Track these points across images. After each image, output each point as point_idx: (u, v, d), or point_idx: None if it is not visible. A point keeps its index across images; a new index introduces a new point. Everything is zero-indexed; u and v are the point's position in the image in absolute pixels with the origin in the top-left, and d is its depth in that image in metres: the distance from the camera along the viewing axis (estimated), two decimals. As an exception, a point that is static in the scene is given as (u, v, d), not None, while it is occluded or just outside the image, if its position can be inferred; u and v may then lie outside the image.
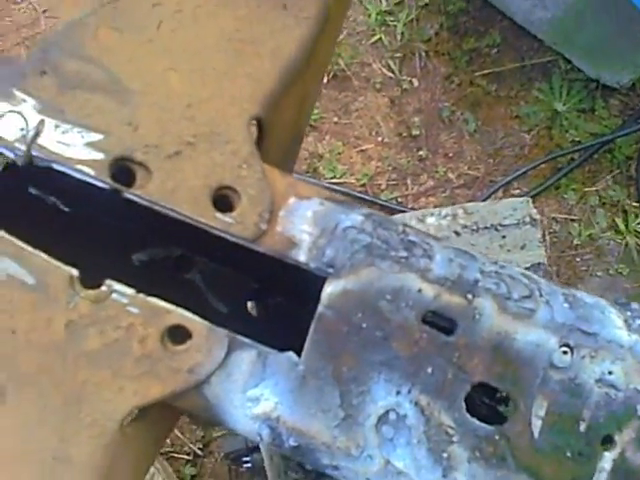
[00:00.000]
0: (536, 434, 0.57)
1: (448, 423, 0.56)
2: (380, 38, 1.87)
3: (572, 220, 1.80)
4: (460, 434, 0.56)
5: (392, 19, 1.88)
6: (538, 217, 0.96)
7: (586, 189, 1.82)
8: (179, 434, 1.64)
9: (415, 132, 1.84)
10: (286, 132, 0.73)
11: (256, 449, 1.37)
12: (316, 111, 1.82)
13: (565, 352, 0.58)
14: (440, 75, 1.87)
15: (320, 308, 0.56)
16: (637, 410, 0.58)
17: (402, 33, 1.87)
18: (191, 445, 1.64)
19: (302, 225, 0.57)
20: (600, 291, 1.75)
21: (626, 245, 1.78)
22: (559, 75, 1.87)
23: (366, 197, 1.78)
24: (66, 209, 0.67)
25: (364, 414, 0.55)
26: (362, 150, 1.83)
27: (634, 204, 1.80)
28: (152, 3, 0.64)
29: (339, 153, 1.82)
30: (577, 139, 1.83)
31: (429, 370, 0.56)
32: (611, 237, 1.79)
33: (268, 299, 0.85)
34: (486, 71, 1.88)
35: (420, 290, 0.57)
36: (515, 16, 1.87)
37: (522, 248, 0.95)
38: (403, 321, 0.56)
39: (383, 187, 1.81)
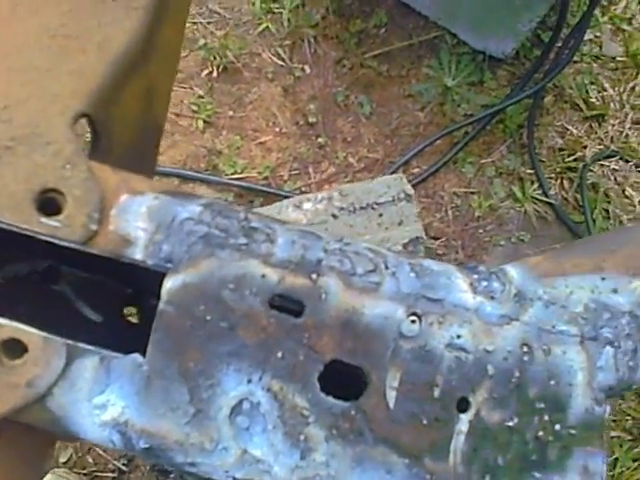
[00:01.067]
0: (391, 405, 0.57)
1: (302, 405, 0.56)
2: (267, 27, 1.86)
3: (472, 193, 1.85)
4: (315, 414, 0.56)
5: (277, 6, 1.88)
6: (412, 192, 0.97)
7: (482, 161, 1.87)
8: (102, 452, 1.60)
9: (312, 119, 1.84)
10: (132, 128, 0.71)
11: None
12: (209, 106, 1.80)
13: (413, 321, 0.59)
14: (331, 60, 1.88)
15: (160, 305, 0.54)
16: (488, 370, 0.59)
17: (289, 20, 1.87)
18: (115, 462, 1.60)
19: (136, 222, 0.56)
20: (504, 259, 1.80)
21: (525, 212, 1.84)
22: (447, 50, 1.91)
23: (269, 190, 1.77)
24: None
25: (215, 407, 0.54)
26: (261, 142, 1.82)
27: (529, 171, 1.86)
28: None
29: (238, 147, 1.80)
30: (469, 112, 1.88)
31: (279, 355, 0.56)
32: (510, 206, 1.84)
33: (146, 302, 0.83)
34: (376, 52, 1.90)
35: (264, 275, 0.57)
36: (398, -5, 1.90)
37: (399, 224, 0.96)
38: (248, 308, 0.56)
39: (286, 178, 1.81)
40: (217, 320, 0.55)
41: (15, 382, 0.51)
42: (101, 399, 0.53)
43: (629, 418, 1.76)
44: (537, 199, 1.84)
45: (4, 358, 0.52)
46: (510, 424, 0.59)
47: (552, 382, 0.60)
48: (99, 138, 0.61)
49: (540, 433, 0.59)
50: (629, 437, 1.74)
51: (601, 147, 1.90)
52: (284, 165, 1.81)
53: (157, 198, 0.57)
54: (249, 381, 0.55)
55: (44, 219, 0.53)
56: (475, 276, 0.63)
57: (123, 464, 1.59)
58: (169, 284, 0.55)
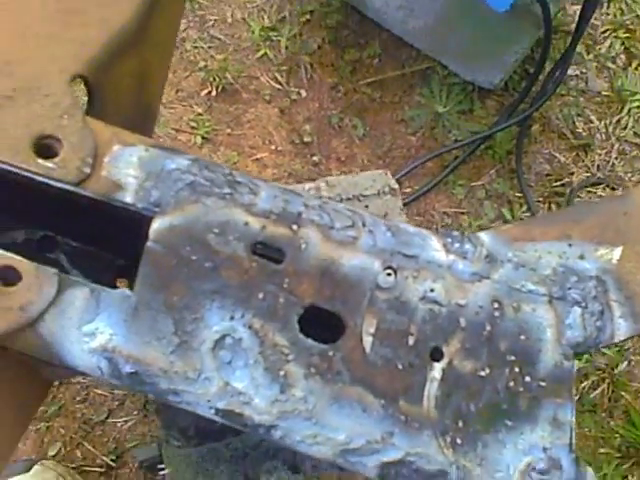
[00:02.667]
0: (368, 349, 0.60)
1: (282, 343, 0.58)
2: (265, 53, 1.93)
3: (462, 213, 1.89)
4: (295, 353, 0.58)
5: (276, 34, 1.95)
6: (397, 187, 1.01)
7: (472, 184, 1.92)
8: (90, 447, 1.59)
9: (307, 139, 1.89)
10: (125, 102, 0.75)
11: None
12: (208, 124, 1.85)
13: (389, 274, 0.62)
14: (326, 85, 1.94)
15: (148, 243, 0.58)
16: (460, 322, 0.62)
17: (286, 47, 1.94)
18: (103, 457, 1.59)
19: (127, 170, 0.59)
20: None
21: (513, 234, 1.87)
22: (438, 80, 1.98)
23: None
24: None
25: (199, 339, 0.57)
26: (257, 159, 1.87)
27: (517, 194, 1.91)
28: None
29: (235, 163, 1.85)
30: (459, 138, 1.94)
31: (260, 296, 0.59)
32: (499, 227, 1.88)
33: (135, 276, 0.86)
34: (370, 80, 1.97)
35: (246, 223, 0.60)
36: (392, 28, 1.98)
37: (384, 216, 1.00)
38: (232, 252, 0.59)
39: (280, 195, 1.85)
40: (202, 260, 0.58)
41: (9, 306, 0.54)
42: (90, 327, 0.56)
43: (617, 436, 1.75)
44: (525, 222, 1.88)
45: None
46: (482, 374, 0.61)
47: (522, 337, 0.63)
48: (94, 100, 0.66)
49: (511, 384, 0.61)
50: (617, 454, 1.74)
51: (588, 174, 1.95)
52: (279, 180, 1.85)
53: (147, 150, 0.61)
54: (231, 318, 0.58)
55: (41, 160, 0.57)
56: (449, 239, 0.66)
57: (111, 460, 1.58)
58: (156, 225, 0.58)
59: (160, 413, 0.84)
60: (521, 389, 0.61)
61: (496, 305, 0.63)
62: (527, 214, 1.86)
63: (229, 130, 1.85)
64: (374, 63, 2.01)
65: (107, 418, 1.61)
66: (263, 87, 1.91)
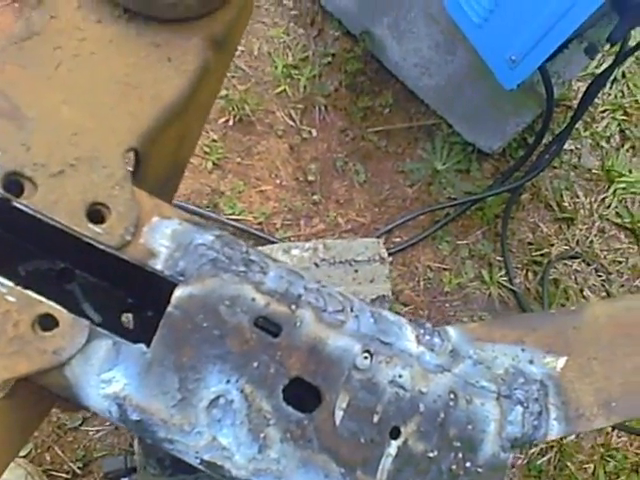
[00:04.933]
0: (337, 422, 0.70)
1: (267, 409, 0.69)
2: (285, 89, 2.05)
3: (444, 269, 2.01)
4: (276, 418, 0.69)
5: (297, 73, 2.07)
6: (386, 256, 1.12)
7: (458, 242, 2.04)
8: (59, 452, 1.68)
9: (311, 178, 2.00)
10: (164, 163, 0.85)
11: (134, 470, 1.44)
12: (220, 150, 1.96)
13: (366, 357, 0.73)
14: (336, 128, 2.06)
15: (169, 308, 0.68)
16: (419, 407, 0.73)
17: (305, 87, 2.06)
18: (71, 464, 1.67)
19: (162, 240, 0.70)
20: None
21: (490, 295, 1.99)
22: (441, 137, 2.10)
23: (262, 235, 1.91)
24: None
25: (198, 397, 0.67)
26: (261, 190, 1.98)
27: (498, 258, 2.03)
28: (53, 47, 0.76)
29: (240, 192, 1.96)
30: (453, 196, 2.06)
31: (255, 364, 0.69)
32: (477, 287, 2.00)
33: (141, 313, 0.96)
34: (378, 128, 2.09)
35: (254, 299, 0.71)
36: (406, 81, 2.10)
37: (371, 281, 1.11)
38: (237, 323, 0.70)
39: (278, 226, 1.96)
40: (211, 328, 0.69)
41: (44, 349, 0.64)
42: (108, 375, 0.66)
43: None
44: (502, 285, 2.00)
45: (38, 329, 0.65)
46: (430, 455, 0.72)
47: (469, 427, 0.73)
48: (140, 169, 0.76)
49: (453, 466, 0.72)
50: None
51: (567, 247, 2.08)
52: (279, 214, 1.96)
53: (181, 224, 0.71)
54: (228, 381, 0.68)
55: (91, 225, 0.67)
56: (422, 330, 0.77)
57: (78, 467, 1.67)
58: (179, 292, 0.68)
59: (142, 441, 0.93)
60: (461, 472, 0.72)
61: (452, 396, 0.74)
62: (505, 278, 1.98)
63: (239, 159, 1.95)
64: (384, 112, 2.13)
65: (80, 425, 1.68)
66: (277, 122, 2.02)
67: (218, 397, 0.68)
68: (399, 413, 0.72)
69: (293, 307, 0.72)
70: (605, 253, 2.10)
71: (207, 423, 0.67)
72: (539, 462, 1.86)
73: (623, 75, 2.33)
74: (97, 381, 0.66)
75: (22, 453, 1.63)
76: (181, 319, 0.68)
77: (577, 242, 2.09)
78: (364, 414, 0.71)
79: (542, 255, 2.04)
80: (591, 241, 2.10)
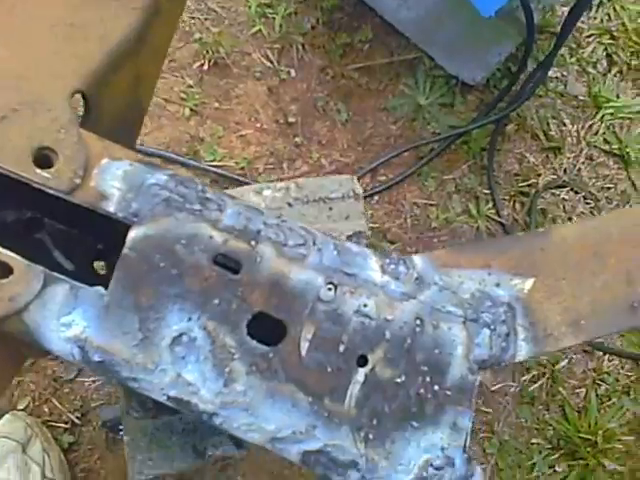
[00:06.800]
0: (303, 353, 0.71)
1: (230, 344, 0.69)
2: (260, 29, 1.99)
3: (431, 205, 1.99)
4: (240, 352, 0.69)
5: (271, 11, 2.01)
6: (360, 192, 1.11)
7: (444, 177, 2.02)
8: (57, 404, 1.71)
9: (291, 120, 1.97)
10: (119, 107, 0.84)
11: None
12: (197, 96, 1.92)
13: (330, 289, 0.73)
14: (316, 67, 2.01)
15: (124, 250, 0.67)
16: (386, 335, 0.73)
17: (280, 25, 2.00)
18: (69, 414, 1.71)
19: (113, 181, 0.69)
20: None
21: (477, 228, 1.99)
22: (423, 71, 2.06)
23: (244, 180, 1.89)
24: None
25: (159, 336, 0.67)
26: (242, 135, 1.95)
27: (485, 191, 2.01)
28: (-11, -12, 0.73)
29: (219, 137, 1.93)
30: (437, 131, 2.03)
31: (216, 301, 0.69)
32: (465, 221, 1.99)
33: (112, 258, 0.96)
34: (358, 65, 2.04)
35: (211, 237, 0.70)
36: (384, 14, 2.04)
37: (346, 218, 1.10)
38: (195, 262, 0.69)
39: (261, 171, 1.94)
40: (169, 267, 0.68)
41: (0, 296, 0.64)
42: (67, 319, 0.66)
43: (550, 428, 1.91)
44: (490, 217, 1.99)
45: (-8, 277, 0.65)
46: (398, 380, 0.72)
47: (436, 351, 0.74)
48: (90, 112, 0.74)
49: (421, 391, 0.72)
50: (548, 445, 1.90)
51: (554, 177, 2.06)
52: (260, 159, 1.94)
53: (132, 165, 0.70)
54: (189, 319, 0.68)
55: (38, 170, 0.66)
56: (387, 260, 0.76)
57: (77, 417, 1.70)
58: (133, 234, 0.68)
59: (123, 385, 0.94)
60: (429, 396, 0.72)
61: (418, 322, 0.74)
62: (492, 211, 1.97)
63: (217, 104, 1.92)
64: (364, 48, 2.08)
65: (76, 377, 1.71)
66: (254, 64, 1.98)
67: (180, 335, 0.68)
68: (365, 341, 0.72)
69: (253, 243, 0.71)
70: (594, 180, 2.08)
71: (171, 360, 0.68)
72: (531, 389, 1.89)
73: (609, -3, 2.27)
74: (57, 325, 0.66)
75: (20, 407, 1.66)
76: (137, 260, 0.67)
77: (565, 171, 2.07)
78: (330, 344, 0.71)
79: (529, 186, 2.02)
80: (579, 169, 2.08)
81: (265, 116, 1.96)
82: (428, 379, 0.73)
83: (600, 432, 1.88)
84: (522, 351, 0.75)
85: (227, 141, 1.93)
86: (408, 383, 0.72)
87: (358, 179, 1.91)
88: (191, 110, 1.90)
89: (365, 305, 0.73)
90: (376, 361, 0.72)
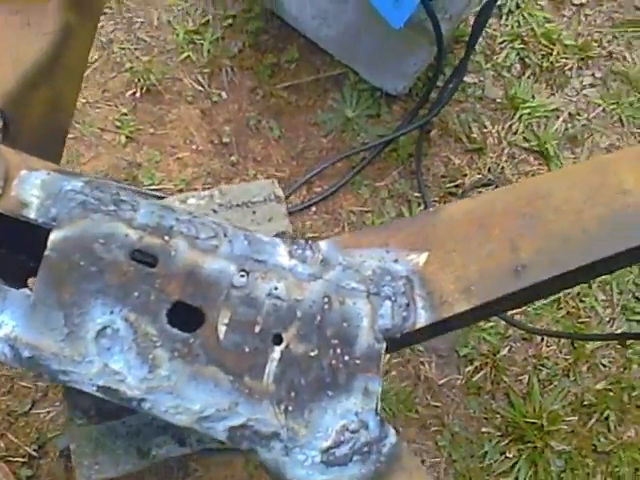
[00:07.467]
0: (222, 336, 0.77)
1: (152, 333, 0.75)
2: (189, 55, 2.07)
3: (366, 212, 2.08)
4: (162, 340, 0.75)
5: (199, 37, 2.09)
6: (282, 194, 1.18)
7: (377, 184, 2.11)
8: (13, 438, 1.71)
9: (226, 139, 2.05)
10: (38, 126, 0.90)
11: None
12: (132, 123, 1.98)
13: (242, 275, 0.79)
14: (246, 88, 2.10)
15: (46, 252, 0.73)
16: (297, 314, 0.80)
17: (209, 50, 2.09)
18: (26, 447, 1.71)
19: (32, 190, 0.75)
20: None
21: (412, 229, 2.08)
22: (349, 86, 2.16)
23: (184, 199, 1.95)
24: None
25: (84, 330, 0.73)
26: (178, 158, 2.01)
27: (416, 194, 2.11)
28: None
29: (157, 162, 1.99)
30: (367, 141, 2.13)
31: (136, 294, 0.75)
32: (400, 223, 2.08)
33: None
34: (286, 83, 2.13)
35: (127, 234, 0.76)
36: (307, 33, 2.14)
37: (269, 220, 1.17)
38: (114, 258, 0.75)
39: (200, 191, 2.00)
40: (89, 265, 0.74)
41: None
42: (-3, 320, 0.71)
43: (498, 416, 1.99)
44: (423, 219, 2.08)
45: None
46: (312, 354, 0.79)
47: (345, 324, 0.81)
48: (7, 129, 0.80)
49: (333, 362, 0.79)
50: (498, 433, 1.98)
51: (480, 176, 2.17)
52: (198, 179, 2.00)
53: (49, 174, 0.76)
54: (111, 312, 0.74)
55: (-41, 184, 0.72)
56: (294, 246, 0.83)
57: (34, 450, 1.70)
58: (53, 236, 0.74)
59: (66, 396, 0.99)
60: (341, 366, 0.79)
61: (326, 300, 0.81)
62: (423, 212, 2.07)
63: (152, 130, 1.98)
64: (291, 67, 2.17)
65: (30, 409, 1.71)
66: (186, 89, 2.05)
67: (104, 327, 0.74)
68: (279, 321, 0.79)
69: (166, 238, 0.78)
70: (517, 177, 2.21)
71: (97, 352, 0.73)
72: (475, 379, 1.97)
73: (517, 6, 2.42)
74: (-14, 327, 0.71)
75: (-24, 444, 1.66)
76: (58, 260, 0.73)
77: (489, 170, 2.18)
78: (246, 326, 0.78)
79: (457, 186, 2.13)
80: (502, 167, 2.20)
81: (200, 138, 2.03)
82: (339, 351, 0.79)
83: (545, 415, 1.97)
84: (421, 318, 0.83)
85: (164, 165, 1.99)
86: (321, 356, 0.79)
87: (294, 191, 1.99)
88: (127, 137, 1.96)
89: (276, 288, 0.80)
90: (290, 339, 0.79)
